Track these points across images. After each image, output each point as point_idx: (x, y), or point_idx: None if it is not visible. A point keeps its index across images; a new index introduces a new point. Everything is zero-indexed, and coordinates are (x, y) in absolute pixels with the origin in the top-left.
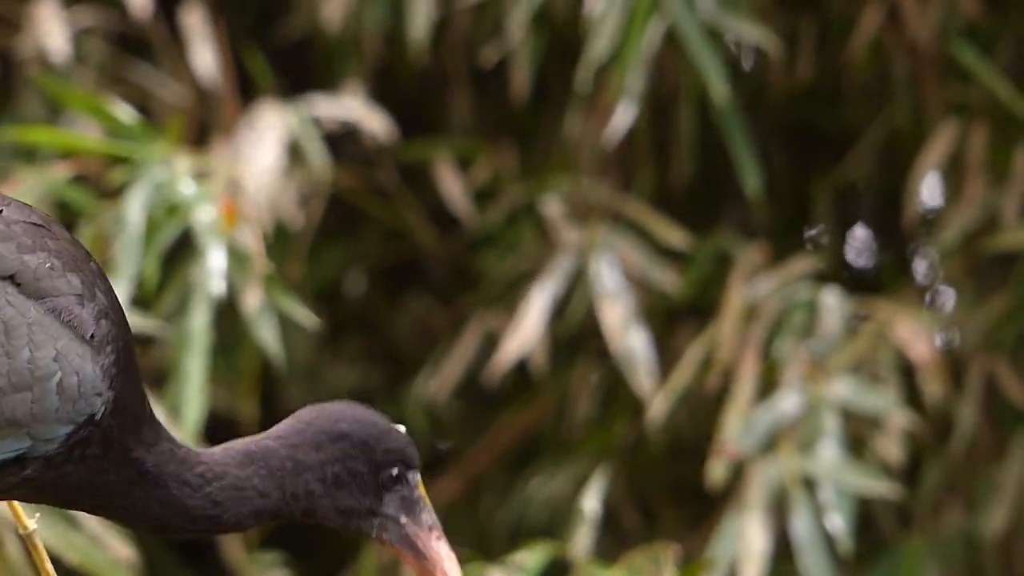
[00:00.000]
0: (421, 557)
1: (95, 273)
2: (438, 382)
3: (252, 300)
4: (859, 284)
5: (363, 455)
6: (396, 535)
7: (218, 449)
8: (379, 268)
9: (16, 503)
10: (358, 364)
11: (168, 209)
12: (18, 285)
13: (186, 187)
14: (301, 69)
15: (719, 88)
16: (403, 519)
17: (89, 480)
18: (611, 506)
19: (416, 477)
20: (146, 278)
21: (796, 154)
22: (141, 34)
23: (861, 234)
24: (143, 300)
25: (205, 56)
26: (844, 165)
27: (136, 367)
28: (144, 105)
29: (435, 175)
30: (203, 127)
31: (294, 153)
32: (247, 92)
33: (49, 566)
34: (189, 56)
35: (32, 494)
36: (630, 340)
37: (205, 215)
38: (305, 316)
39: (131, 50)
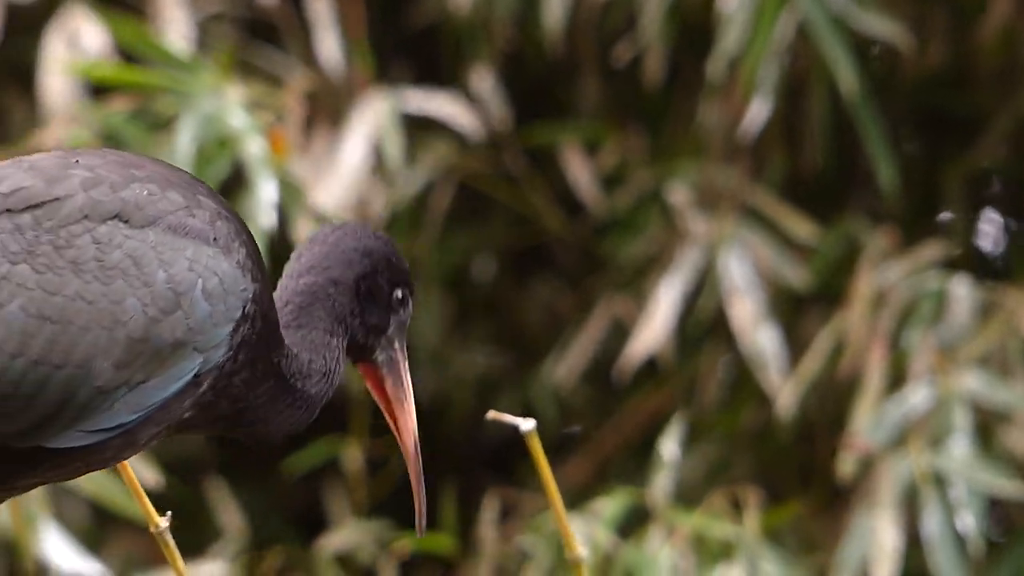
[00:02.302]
0: (398, 383)
1: (192, 183)
2: (565, 367)
3: (303, 231)
4: (988, 270)
5: (386, 271)
6: (387, 359)
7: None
8: (507, 252)
9: (147, 501)
10: (485, 348)
11: (219, 142)
12: (126, 221)
13: (236, 118)
14: (431, 54)
15: (848, 80)
16: (396, 343)
17: (244, 393)
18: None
19: (410, 303)
20: None
21: (926, 139)
22: (269, 20)
23: (991, 219)
24: None
25: (329, 42)
26: (975, 150)
27: (263, 267)
28: (272, 91)
29: (562, 159)
30: (332, 113)
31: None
32: (382, 78)
33: (181, 564)
34: (314, 42)
35: (198, 416)
36: (759, 337)
37: (255, 147)
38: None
39: (259, 36)
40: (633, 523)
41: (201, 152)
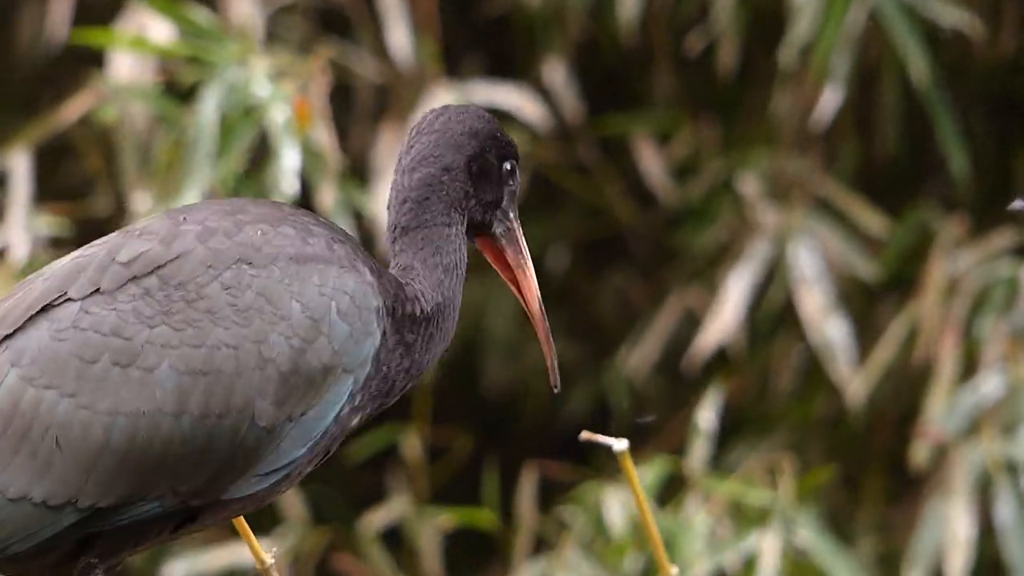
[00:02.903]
0: (518, 252)
1: (295, 213)
2: (638, 357)
3: (327, 197)
4: None
5: (493, 148)
6: (504, 230)
7: (407, 258)
8: (580, 243)
9: (253, 538)
10: (559, 338)
11: (244, 111)
12: (249, 263)
13: (261, 88)
14: (503, 46)
15: (920, 68)
16: (510, 214)
17: (395, 377)
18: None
19: (518, 172)
20: (222, 180)
21: (998, 127)
22: (341, 11)
23: None
24: None
25: (400, 34)
26: None
27: (385, 275)
28: (343, 81)
29: (635, 150)
30: (404, 106)
31: None
32: (451, 69)
33: None
34: (385, 34)
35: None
36: (828, 328)
37: (279, 115)
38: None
39: (330, 28)
40: (672, 491)
41: (225, 120)
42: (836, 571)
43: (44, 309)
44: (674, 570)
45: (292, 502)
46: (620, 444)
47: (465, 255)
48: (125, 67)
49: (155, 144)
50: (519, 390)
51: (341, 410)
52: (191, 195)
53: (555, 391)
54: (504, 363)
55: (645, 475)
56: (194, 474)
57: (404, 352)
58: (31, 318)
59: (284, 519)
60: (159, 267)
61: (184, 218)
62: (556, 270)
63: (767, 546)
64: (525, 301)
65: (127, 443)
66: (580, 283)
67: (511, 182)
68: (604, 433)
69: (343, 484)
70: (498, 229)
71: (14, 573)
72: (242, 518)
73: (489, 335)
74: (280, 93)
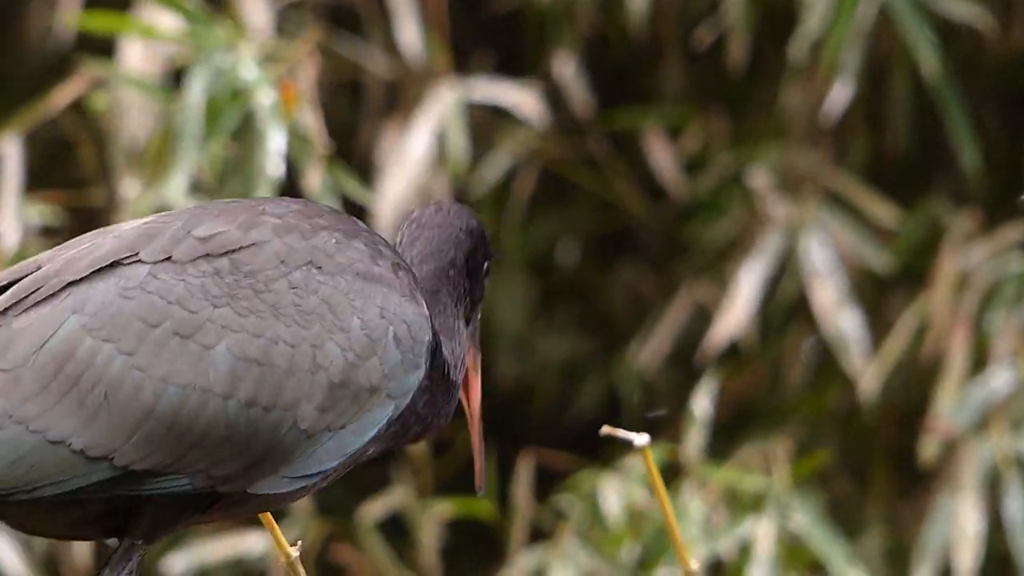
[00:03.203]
0: (477, 353)
1: (369, 233)
2: (649, 351)
3: (313, 181)
4: None
5: (481, 247)
6: (473, 329)
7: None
8: (590, 237)
9: (278, 530)
10: (570, 332)
11: (231, 94)
12: (319, 268)
13: (248, 71)
14: (513, 41)
15: (930, 62)
16: (478, 312)
17: (422, 413)
18: (823, 472)
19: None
20: (210, 163)
21: (1010, 120)
22: (350, 6)
23: None
24: (207, 187)
25: (409, 30)
26: None
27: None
28: (354, 78)
29: (645, 144)
30: (413, 101)
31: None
32: (461, 65)
33: None
34: (395, 30)
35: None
36: (840, 321)
37: (266, 98)
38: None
39: (340, 24)
40: (668, 479)
41: (212, 103)
42: (831, 557)
43: (113, 265)
44: (694, 564)
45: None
46: (641, 439)
47: (466, 348)
48: (135, 58)
49: (146, 132)
50: (528, 385)
51: (378, 433)
52: (178, 179)
53: (479, 493)
54: (514, 358)
55: (638, 463)
56: (230, 460)
57: (428, 400)
58: (98, 271)
59: (291, 512)
60: (233, 251)
61: (264, 208)
62: (566, 264)
63: (762, 532)
64: (469, 400)
65: (173, 413)
66: (590, 277)
67: (485, 281)
68: (615, 426)
69: (348, 478)
70: (471, 327)
71: (35, 527)
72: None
73: (499, 330)
74: (266, 77)
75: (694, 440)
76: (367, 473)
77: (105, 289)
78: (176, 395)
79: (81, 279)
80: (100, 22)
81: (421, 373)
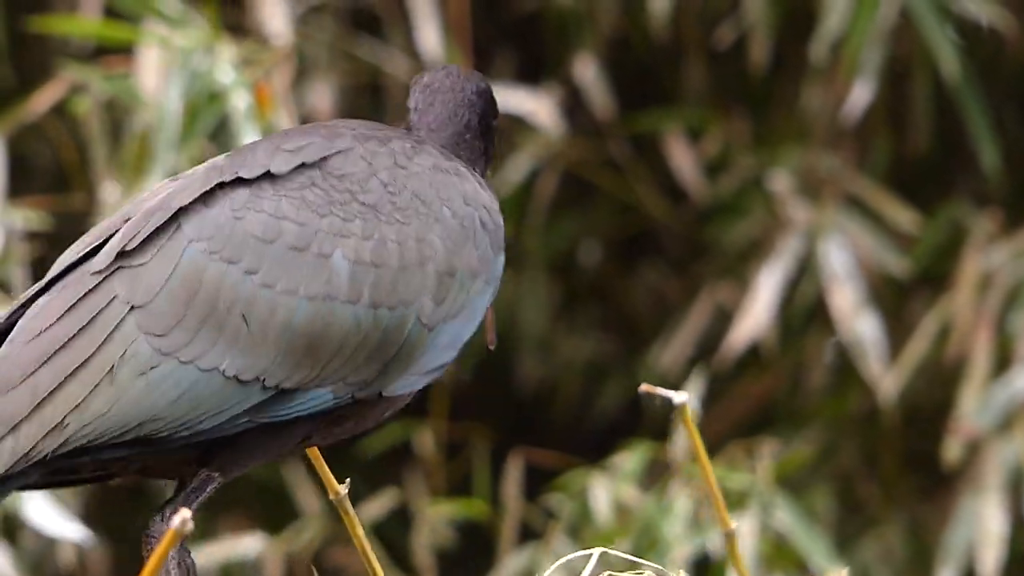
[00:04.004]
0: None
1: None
2: (671, 353)
3: None
4: None
5: (490, 106)
6: (488, 185)
7: None
8: (612, 239)
9: (326, 467)
10: (592, 334)
11: (208, 97)
12: (403, 168)
13: (225, 75)
14: (534, 43)
15: (950, 63)
16: (489, 170)
17: None
18: (845, 475)
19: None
20: (188, 164)
21: None
22: (371, 9)
23: None
24: None
25: (430, 33)
26: None
27: None
28: (374, 81)
29: (666, 146)
30: None
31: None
32: (482, 68)
33: (361, 530)
34: (415, 33)
35: None
36: (860, 325)
37: (241, 101)
38: None
39: (361, 27)
40: (655, 478)
41: (189, 106)
42: (812, 553)
43: (215, 189)
44: (733, 524)
45: (309, 501)
46: (680, 396)
47: None
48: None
49: (126, 134)
50: (551, 386)
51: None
52: (155, 179)
53: (491, 347)
54: (537, 359)
55: (627, 462)
56: (367, 364)
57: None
58: (203, 196)
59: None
60: (324, 158)
61: (336, 124)
62: (588, 266)
63: (745, 529)
64: None
65: (308, 325)
66: (612, 279)
67: (495, 135)
68: (635, 432)
69: (361, 479)
70: (486, 184)
71: (144, 466)
72: (316, 450)
73: (522, 331)
74: (242, 80)
75: (679, 440)
76: (379, 475)
77: (216, 212)
78: (307, 308)
79: (188, 205)
80: (69, 26)
81: (503, 258)
